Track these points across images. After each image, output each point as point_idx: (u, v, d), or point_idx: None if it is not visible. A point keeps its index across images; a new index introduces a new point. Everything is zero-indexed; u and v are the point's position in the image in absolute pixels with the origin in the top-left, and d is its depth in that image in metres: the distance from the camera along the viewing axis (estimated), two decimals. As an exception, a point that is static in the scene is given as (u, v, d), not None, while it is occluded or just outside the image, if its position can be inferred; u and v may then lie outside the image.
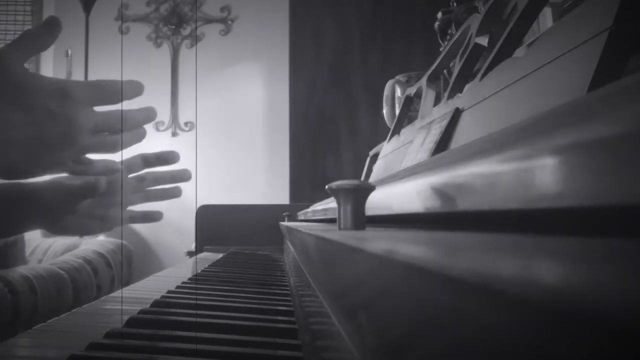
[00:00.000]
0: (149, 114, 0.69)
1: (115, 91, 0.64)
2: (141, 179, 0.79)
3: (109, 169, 0.68)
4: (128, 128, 0.67)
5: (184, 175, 0.82)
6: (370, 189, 0.35)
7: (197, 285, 0.95)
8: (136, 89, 0.68)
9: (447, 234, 0.22)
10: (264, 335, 0.59)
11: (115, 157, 0.70)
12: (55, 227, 0.76)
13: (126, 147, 0.68)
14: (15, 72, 0.58)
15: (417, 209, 0.29)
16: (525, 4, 0.47)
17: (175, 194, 0.83)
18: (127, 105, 0.67)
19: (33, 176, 0.63)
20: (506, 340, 0.08)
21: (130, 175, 0.79)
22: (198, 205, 2.05)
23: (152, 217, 0.82)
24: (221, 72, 3.30)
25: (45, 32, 0.62)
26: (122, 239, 2.35)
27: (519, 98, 0.40)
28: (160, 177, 0.81)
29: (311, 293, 0.45)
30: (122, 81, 0.65)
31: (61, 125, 0.59)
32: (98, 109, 0.64)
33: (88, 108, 0.62)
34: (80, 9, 3.02)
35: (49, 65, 3.31)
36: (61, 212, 0.73)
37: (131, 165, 0.79)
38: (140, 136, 0.70)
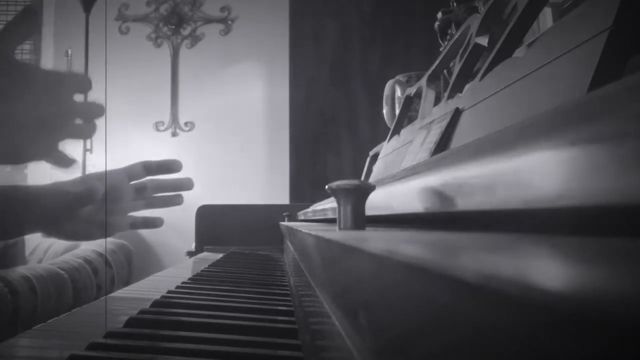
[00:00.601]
0: (102, 108, 0.70)
1: (83, 82, 0.66)
2: (142, 186, 0.80)
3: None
4: (93, 117, 0.68)
5: (186, 184, 0.82)
6: (370, 189, 0.35)
7: (198, 285, 0.95)
8: (84, 84, 0.68)
9: (447, 234, 0.22)
10: (264, 335, 0.59)
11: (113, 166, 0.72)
12: (55, 232, 0.76)
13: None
14: (10, 56, 0.60)
15: (417, 209, 0.29)
16: (525, 4, 0.47)
17: (176, 201, 0.83)
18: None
19: (30, 160, 0.65)
20: (506, 340, 0.08)
21: (131, 183, 0.79)
22: (199, 205, 2.05)
23: (153, 223, 0.83)
24: (221, 72, 3.30)
25: (24, 20, 0.64)
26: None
27: (519, 98, 0.40)
28: (162, 184, 0.82)
29: (311, 293, 0.45)
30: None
31: (59, 110, 0.62)
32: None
33: (71, 95, 0.64)
34: (80, 9, 3.02)
35: (49, 66, 3.31)
36: (61, 218, 0.73)
37: (133, 173, 0.79)
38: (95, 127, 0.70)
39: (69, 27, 3.20)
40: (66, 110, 0.63)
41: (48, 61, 3.29)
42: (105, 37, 3.00)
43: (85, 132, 0.67)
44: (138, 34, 3.37)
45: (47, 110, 0.61)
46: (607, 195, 0.12)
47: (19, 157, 0.63)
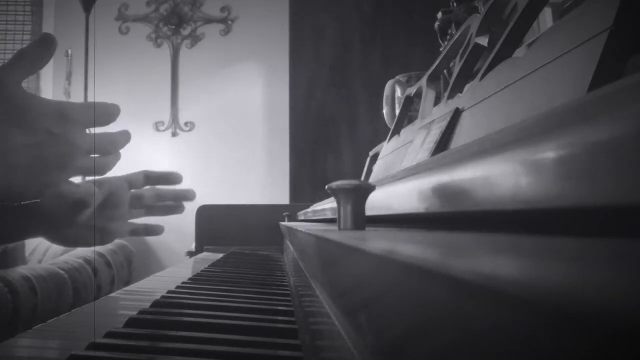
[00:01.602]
0: (128, 136, 0.68)
1: (107, 114, 0.63)
2: (142, 195, 0.80)
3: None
4: (113, 150, 0.66)
5: (188, 195, 0.83)
6: (370, 189, 0.35)
7: (198, 285, 0.95)
8: (113, 112, 0.66)
9: (446, 234, 0.22)
10: (264, 335, 0.59)
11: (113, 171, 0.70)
12: (55, 238, 0.76)
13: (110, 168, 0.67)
14: (14, 93, 0.57)
15: (417, 209, 0.29)
16: (525, 4, 0.47)
17: (178, 210, 0.83)
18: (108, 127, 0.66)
19: (30, 199, 0.62)
20: (505, 340, 0.08)
21: (131, 191, 0.80)
22: (199, 205, 2.05)
23: (153, 230, 0.83)
24: (221, 72, 3.30)
25: (40, 50, 0.61)
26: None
27: (519, 98, 0.40)
28: (163, 193, 0.82)
29: (311, 293, 0.45)
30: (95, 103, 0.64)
31: (61, 147, 0.59)
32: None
33: (83, 130, 0.62)
34: (80, 9, 3.02)
35: (49, 66, 3.31)
36: (60, 224, 0.73)
37: (133, 181, 0.79)
38: (118, 158, 0.69)
39: (69, 27, 3.20)
40: (72, 146, 0.59)
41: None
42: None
43: (99, 168, 0.64)
44: (138, 34, 3.37)
45: (49, 148, 0.58)
46: (608, 195, 0.12)
47: (17, 196, 0.61)
